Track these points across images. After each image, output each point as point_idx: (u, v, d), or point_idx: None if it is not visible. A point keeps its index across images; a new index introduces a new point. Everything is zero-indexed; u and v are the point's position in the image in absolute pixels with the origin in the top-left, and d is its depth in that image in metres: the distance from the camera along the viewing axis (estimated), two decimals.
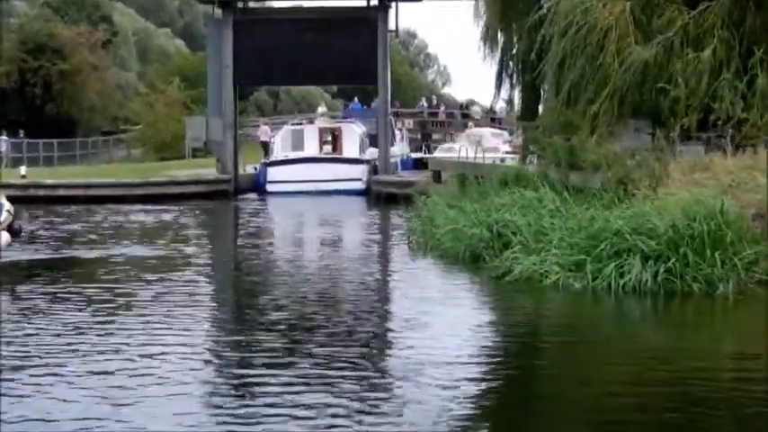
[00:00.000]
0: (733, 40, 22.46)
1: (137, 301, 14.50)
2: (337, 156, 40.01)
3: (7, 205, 19.18)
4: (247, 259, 20.73)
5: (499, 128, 58.31)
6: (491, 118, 65.84)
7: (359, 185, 38.05)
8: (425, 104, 67.25)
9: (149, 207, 32.24)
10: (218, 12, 38.93)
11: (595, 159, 20.31)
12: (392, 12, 38.49)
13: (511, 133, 56.16)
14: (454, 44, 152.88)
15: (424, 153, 50.11)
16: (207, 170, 40.46)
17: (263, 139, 47.02)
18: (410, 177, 36.05)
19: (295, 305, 14.40)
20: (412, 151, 49.57)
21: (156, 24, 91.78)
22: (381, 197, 35.50)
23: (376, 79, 38.68)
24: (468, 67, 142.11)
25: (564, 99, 24.42)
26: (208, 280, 17.59)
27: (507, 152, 41.02)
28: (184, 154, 52.48)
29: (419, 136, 59.37)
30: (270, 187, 38.48)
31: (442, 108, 67.74)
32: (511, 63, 33.16)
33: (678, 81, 22.38)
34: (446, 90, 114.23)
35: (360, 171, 38.63)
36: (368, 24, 38.12)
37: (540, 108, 33.36)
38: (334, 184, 37.73)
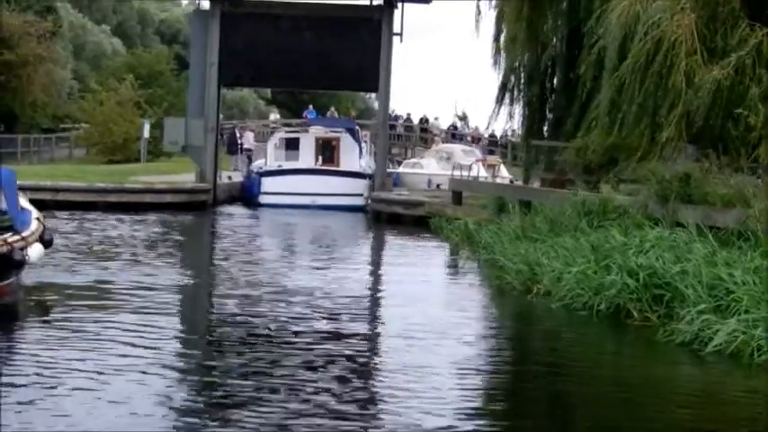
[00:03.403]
0: None
1: None
2: (338, 168, 36.48)
3: (35, 212, 15.51)
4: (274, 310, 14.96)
5: (460, 143, 55.62)
6: (452, 134, 63.11)
7: (360, 201, 34.62)
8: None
9: (126, 216, 28.38)
10: (205, 3, 35.01)
11: (728, 194, 17.00)
12: (397, 13, 34.90)
13: (492, 152, 53.31)
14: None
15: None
16: (177, 177, 36.55)
17: (248, 146, 43.19)
18: (416, 197, 32.49)
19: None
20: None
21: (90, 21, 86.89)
22: (382, 217, 31.87)
23: (377, 86, 35.04)
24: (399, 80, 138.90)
25: (627, 120, 21.42)
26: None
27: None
28: (136, 156, 48.57)
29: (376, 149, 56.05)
30: (263, 199, 35.01)
31: (401, 121, 64.46)
32: (512, 77, 30.16)
33: (758, 107, 19.51)
34: (377, 103, 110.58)
35: (362, 186, 35.21)
36: (371, 26, 34.48)
37: (546, 126, 30.47)
38: (333, 199, 34.35)
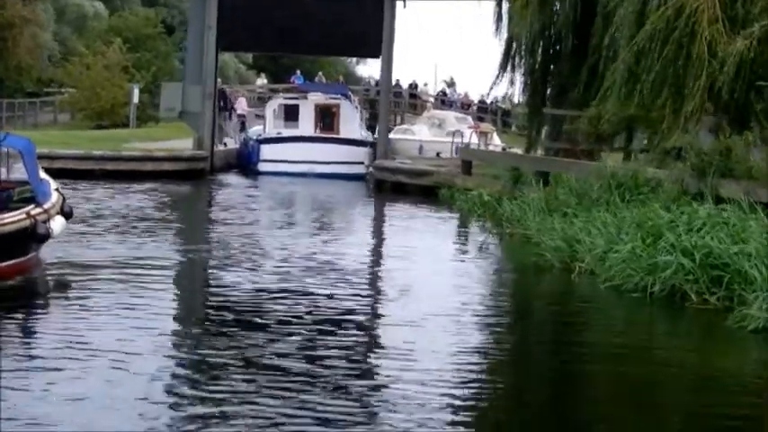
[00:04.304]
0: None
1: None
2: (339, 136, 35.69)
3: (53, 182, 14.71)
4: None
5: (450, 110, 54.95)
6: (441, 100, 62.46)
7: (360, 170, 33.85)
8: (373, 82, 63.01)
9: (126, 185, 27.47)
10: None
11: None
12: None
13: (481, 119, 52.54)
14: None
15: (375, 134, 45.69)
16: (172, 143, 35.68)
17: (240, 111, 42.27)
18: (421, 166, 31.69)
19: None
20: None
21: None
22: (385, 186, 31.03)
23: (378, 52, 34.19)
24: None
25: (645, 90, 20.69)
26: None
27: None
28: (124, 122, 47.46)
29: (367, 116, 55.22)
30: (262, 166, 34.22)
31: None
32: (516, 43, 29.36)
33: None
34: (360, 68, 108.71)
35: (363, 154, 34.48)
36: None
37: (547, 94, 29.76)
38: (334, 167, 33.58)
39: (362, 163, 34.30)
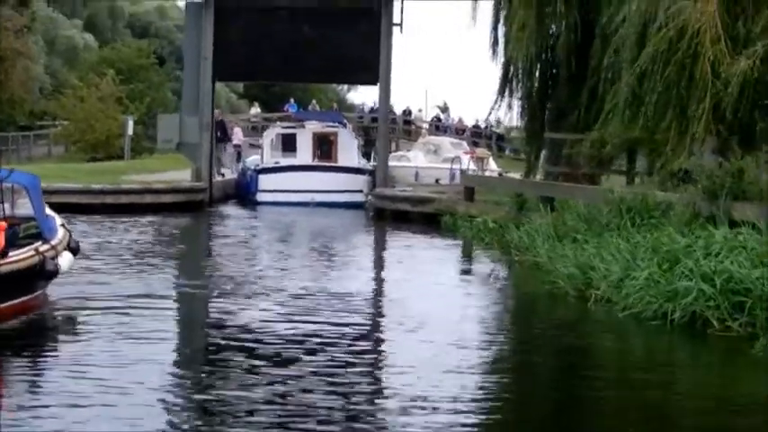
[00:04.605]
0: None
1: None
2: (337, 164, 35.50)
3: (58, 217, 14.48)
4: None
5: (444, 135, 54.95)
6: (436, 126, 62.51)
7: (360, 198, 33.63)
8: (367, 109, 62.99)
9: (128, 219, 27.12)
10: None
11: None
12: (396, 4, 33.92)
13: (476, 144, 52.48)
14: None
15: (371, 162, 45.38)
16: (169, 175, 35.42)
17: (236, 141, 42.09)
18: (422, 193, 31.41)
19: None
20: None
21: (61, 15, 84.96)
22: (386, 214, 30.69)
23: (376, 79, 34.06)
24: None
25: (649, 112, 20.50)
26: None
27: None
28: (119, 153, 47.20)
29: (362, 143, 54.99)
30: (261, 197, 34.02)
31: None
32: (513, 67, 29.22)
33: None
34: (350, 95, 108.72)
35: (361, 182, 34.29)
36: (370, 17, 33.49)
37: (546, 118, 29.58)
38: (333, 196, 33.38)
39: (361, 191, 34.09)
